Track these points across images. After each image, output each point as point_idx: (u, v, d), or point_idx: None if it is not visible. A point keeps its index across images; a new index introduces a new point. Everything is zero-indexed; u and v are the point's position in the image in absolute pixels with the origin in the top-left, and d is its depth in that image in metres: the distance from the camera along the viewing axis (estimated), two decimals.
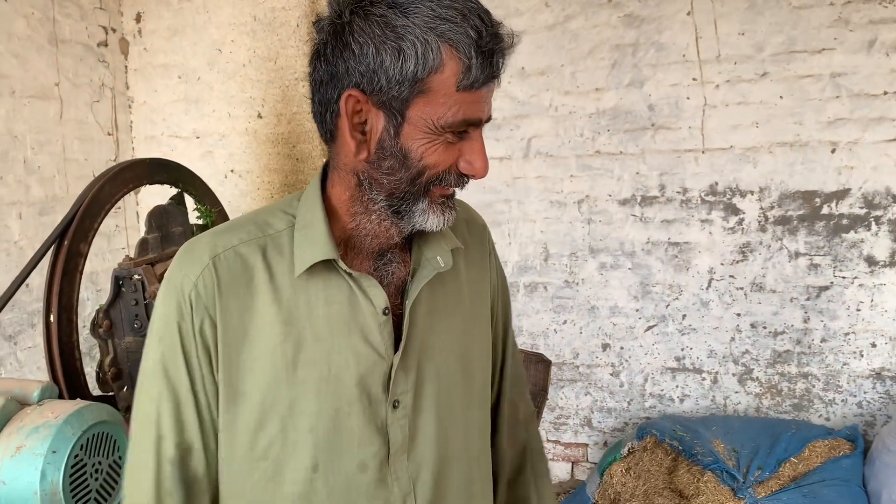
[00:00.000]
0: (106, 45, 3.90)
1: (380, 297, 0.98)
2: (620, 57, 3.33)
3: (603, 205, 3.46)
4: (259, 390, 0.96)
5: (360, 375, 0.97)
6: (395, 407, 0.99)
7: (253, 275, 0.97)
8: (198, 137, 3.97)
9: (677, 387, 3.45)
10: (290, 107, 3.76)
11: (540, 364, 2.31)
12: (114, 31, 3.95)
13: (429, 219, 0.97)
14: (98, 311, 2.19)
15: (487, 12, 0.93)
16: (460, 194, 1.02)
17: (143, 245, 2.27)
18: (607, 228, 3.47)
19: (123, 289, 2.18)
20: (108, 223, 3.80)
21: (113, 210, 3.79)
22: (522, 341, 3.64)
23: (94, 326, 2.19)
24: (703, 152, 3.27)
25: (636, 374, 3.50)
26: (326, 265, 0.97)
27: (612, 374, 3.54)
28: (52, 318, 2.11)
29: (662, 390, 3.47)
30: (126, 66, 4.04)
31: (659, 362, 3.46)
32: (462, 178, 0.97)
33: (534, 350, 3.59)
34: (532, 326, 3.63)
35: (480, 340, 1.13)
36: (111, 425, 1.67)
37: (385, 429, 0.99)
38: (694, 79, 3.25)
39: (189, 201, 2.76)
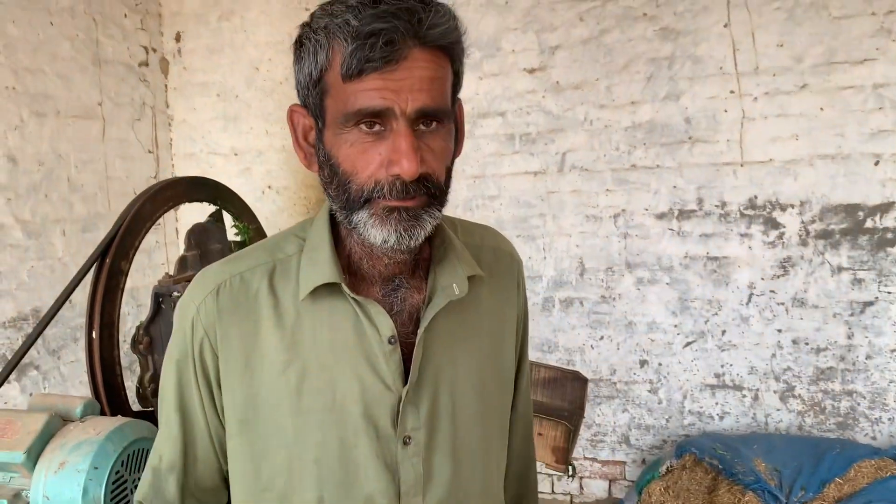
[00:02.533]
0: (147, 65, 3.98)
1: (385, 325, 0.93)
2: (656, 70, 3.31)
3: (639, 219, 3.43)
4: (263, 419, 0.94)
5: (366, 406, 0.93)
6: (405, 443, 0.94)
7: (257, 300, 0.95)
8: (236, 154, 4.03)
9: (717, 404, 3.39)
10: None
11: (576, 381, 2.29)
12: (154, 50, 4.03)
13: (370, 232, 0.88)
14: (138, 328, 2.23)
15: None
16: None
17: (182, 262, 2.30)
18: (644, 243, 3.44)
19: (163, 306, 2.22)
20: (149, 239, 3.87)
21: (153, 226, 3.86)
22: (558, 357, 3.61)
23: (135, 343, 2.23)
24: (741, 165, 3.23)
25: (675, 391, 3.45)
26: (332, 290, 0.93)
27: (650, 391, 3.50)
28: (94, 335, 2.14)
29: (702, 407, 3.41)
30: (166, 85, 4.12)
31: (698, 379, 3.41)
32: (395, 185, 0.85)
33: (570, 366, 3.57)
34: (568, 342, 3.60)
35: (500, 376, 1.07)
36: (151, 441, 1.68)
37: (395, 466, 0.94)
38: (732, 91, 3.21)
39: (227, 218, 2.80)
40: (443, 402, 0.96)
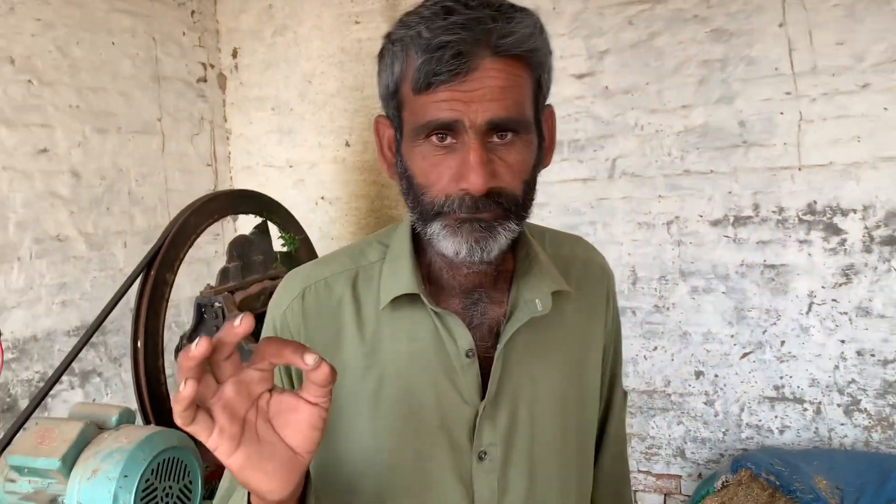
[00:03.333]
0: (205, 81, 4.10)
1: (464, 338, 0.92)
2: (708, 73, 3.21)
3: (693, 226, 3.33)
4: (343, 422, 0.94)
5: (443, 418, 0.93)
6: (480, 458, 0.93)
7: (340, 306, 0.96)
8: (290, 166, 4.11)
9: (776, 417, 3.25)
10: None
11: None
12: (212, 66, 4.15)
13: (443, 243, 0.87)
14: (182, 338, 2.29)
15: (461, 4, 0.84)
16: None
17: (223, 274, 2.36)
18: (698, 250, 3.34)
19: (205, 316, 2.27)
20: (207, 249, 3.98)
21: (214, 238, 3.97)
22: None
23: (178, 352, 2.28)
24: (799, 169, 3.10)
25: (731, 404, 3.33)
26: (412, 300, 0.93)
27: (705, 403, 3.39)
28: (139, 345, 2.21)
29: (760, 421, 3.29)
30: (224, 100, 4.23)
31: (756, 391, 3.28)
32: (464, 200, 0.85)
33: (623, 377, 3.48)
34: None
35: (583, 393, 1.04)
36: (181, 450, 1.72)
37: (469, 480, 0.93)
38: (788, 93, 3.09)
39: (274, 230, 2.85)
40: (521, 419, 0.96)
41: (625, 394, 1.19)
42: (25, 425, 1.71)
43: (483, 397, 0.93)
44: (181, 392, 0.64)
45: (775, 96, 3.11)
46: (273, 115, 4.13)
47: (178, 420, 0.66)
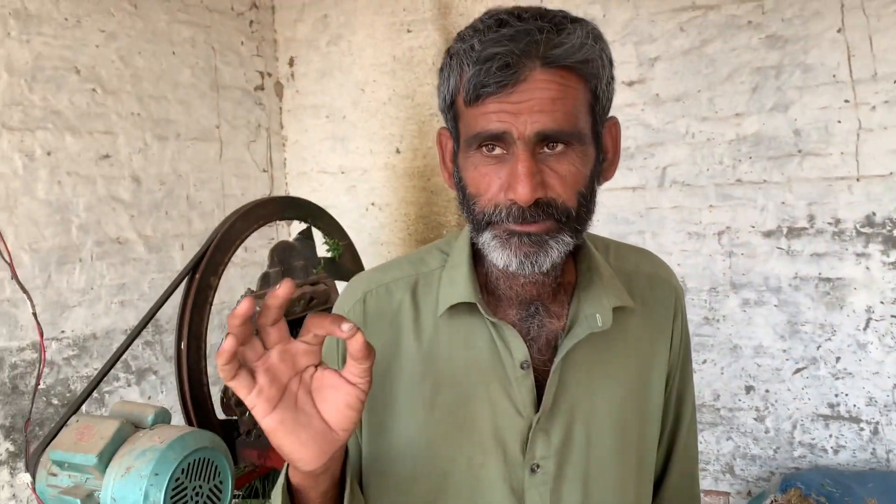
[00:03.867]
0: (262, 89, 4.21)
1: (519, 350, 0.92)
2: (762, 80, 3.13)
3: (745, 237, 3.25)
4: (399, 427, 0.96)
5: (496, 428, 0.93)
6: (533, 471, 0.93)
7: (399, 311, 0.98)
8: (343, 173, 4.18)
9: (831, 436, 3.14)
10: (426, 141, 3.87)
11: None
12: (269, 75, 4.26)
13: (493, 254, 0.88)
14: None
15: (514, 16, 0.85)
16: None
17: (264, 279, 2.41)
18: (750, 262, 3.25)
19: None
20: (263, 254, 4.07)
21: (267, 242, 4.07)
22: None
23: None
24: (857, 180, 2.99)
25: (783, 420, 3.23)
26: (470, 308, 0.94)
27: (756, 419, 3.29)
28: (182, 346, 2.29)
29: (814, 439, 3.18)
30: (280, 108, 4.34)
31: (809, 408, 3.17)
32: (512, 210, 0.85)
33: None
34: None
35: (644, 410, 1.02)
36: (212, 451, 1.78)
37: (521, 492, 0.93)
38: (846, 101, 2.98)
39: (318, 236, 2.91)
40: (577, 434, 0.95)
41: (693, 409, 1.15)
42: (69, 422, 1.79)
43: (538, 410, 0.92)
44: (222, 345, 0.69)
45: (833, 104, 3.01)
46: (327, 123, 4.21)
47: (221, 373, 0.71)
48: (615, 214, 3.50)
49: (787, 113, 3.10)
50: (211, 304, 2.37)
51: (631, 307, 0.98)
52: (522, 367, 0.92)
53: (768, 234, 3.20)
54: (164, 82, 3.63)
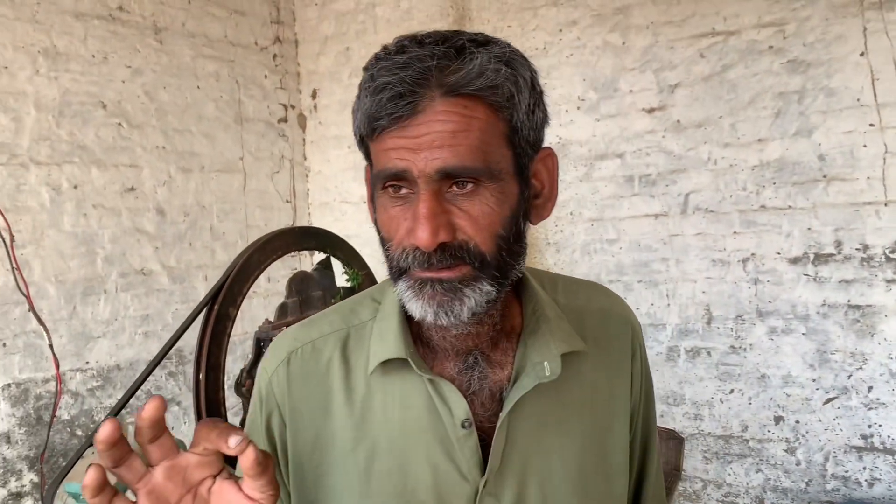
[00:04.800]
0: (285, 121, 4.26)
1: (459, 406, 0.82)
2: (785, 105, 3.10)
3: (771, 263, 3.19)
4: (333, 501, 0.86)
5: (439, 497, 0.83)
6: None
7: (329, 371, 0.88)
8: (364, 202, 4.19)
9: (865, 468, 3.04)
10: None
11: (672, 441, 2.15)
12: (292, 107, 4.31)
13: (409, 305, 0.78)
14: (242, 371, 2.36)
15: (416, 41, 0.76)
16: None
17: (282, 309, 2.42)
18: (777, 289, 3.19)
19: (264, 350, 2.33)
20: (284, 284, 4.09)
21: (290, 272, 4.07)
22: (685, 411, 3.41)
23: (238, 385, 2.35)
24: (885, 205, 2.93)
25: (815, 452, 3.14)
26: (404, 364, 0.84)
27: (786, 451, 3.21)
28: (200, 377, 2.29)
29: (847, 472, 3.08)
30: (303, 139, 4.38)
31: (842, 440, 3.08)
32: (416, 255, 0.76)
33: (697, 421, 3.36)
34: (695, 395, 3.39)
35: (607, 462, 0.91)
36: None
37: None
38: (871, 124, 2.93)
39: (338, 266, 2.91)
40: (531, 496, 0.85)
41: (657, 457, 1.04)
42: (84, 453, 1.80)
43: (484, 472, 0.83)
44: (85, 478, 0.60)
45: (858, 128, 2.96)
46: (349, 153, 4.24)
47: None
48: (638, 242, 3.46)
49: (811, 138, 3.06)
50: (229, 335, 2.37)
51: (583, 350, 0.88)
52: (464, 426, 0.82)
53: (794, 261, 3.14)
54: (188, 116, 3.69)
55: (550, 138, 3.63)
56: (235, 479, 0.66)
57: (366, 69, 0.77)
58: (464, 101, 0.73)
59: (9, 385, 2.94)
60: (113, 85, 3.34)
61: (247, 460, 0.62)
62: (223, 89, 3.88)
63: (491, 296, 0.78)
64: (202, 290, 3.71)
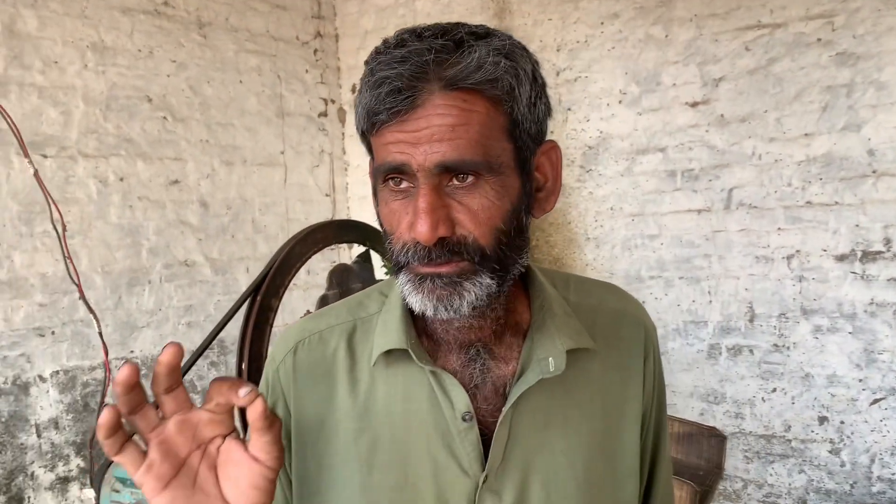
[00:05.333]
0: (325, 115, 4.29)
1: (460, 399, 0.82)
2: (832, 99, 3.03)
3: (816, 261, 3.13)
4: (333, 491, 0.86)
5: (439, 490, 0.82)
6: None
7: (334, 362, 0.88)
8: None
9: None
10: None
11: (713, 438, 2.12)
12: (332, 102, 4.34)
13: (410, 299, 0.79)
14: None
15: (415, 35, 0.76)
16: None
17: (322, 301, 2.44)
18: (822, 287, 3.13)
19: None
20: (324, 276, 4.12)
21: (329, 265, 4.11)
22: (725, 409, 3.36)
23: None
24: None
25: (860, 454, 3.08)
26: (407, 355, 0.84)
27: (830, 452, 3.14)
28: (243, 367, 2.32)
29: (894, 474, 3.01)
30: (343, 133, 4.41)
31: (889, 441, 3.01)
32: (416, 249, 0.76)
33: (738, 419, 3.31)
34: (736, 393, 3.34)
35: (616, 465, 0.89)
36: None
37: None
38: None
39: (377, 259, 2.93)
40: (534, 494, 0.83)
41: (668, 463, 1.02)
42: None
43: (485, 468, 0.82)
44: (100, 418, 0.62)
45: None
46: None
47: (104, 448, 0.64)
48: (680, 237, 3.42)
49: (859, 132, 2.99)
50: (272, 326, 2.40)
51: (591, 348, 0.87)
52: (464, 419, 0.81)
53: (841, 258, 3.08)
54: (231, 110, 3.74)
55: (591, 132, 3.60)
56: (243, 441, 0.69)
57: (366, 63, 0.78)
58: (463, 94, 0.73)
59: (57, 372, 3.01)
60: (158, 79, 3.40)
61: (254, 412, 0.64)
62: (265, 83, 3.92)
63: (491, 289, 0.78)
64: (243, 282, 3.76)
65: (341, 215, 4.37)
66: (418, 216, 0.73)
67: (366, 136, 0.81)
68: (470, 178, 0.75)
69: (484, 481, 0.82)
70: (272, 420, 0.66)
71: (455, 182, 0.75)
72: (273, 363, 0.91)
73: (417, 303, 0.78)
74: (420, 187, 0.74)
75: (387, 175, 0.77)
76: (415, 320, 0.87)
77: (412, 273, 0.78)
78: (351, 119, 4.38)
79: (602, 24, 3.56)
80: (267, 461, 0.68)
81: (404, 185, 0.76)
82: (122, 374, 0.62)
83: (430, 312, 0.78)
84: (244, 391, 0.64)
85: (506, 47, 0.76)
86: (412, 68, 0.72)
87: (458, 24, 0.77)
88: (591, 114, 3.60)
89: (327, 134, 4.31)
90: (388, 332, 0.85)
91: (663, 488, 0.99)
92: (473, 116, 0.74)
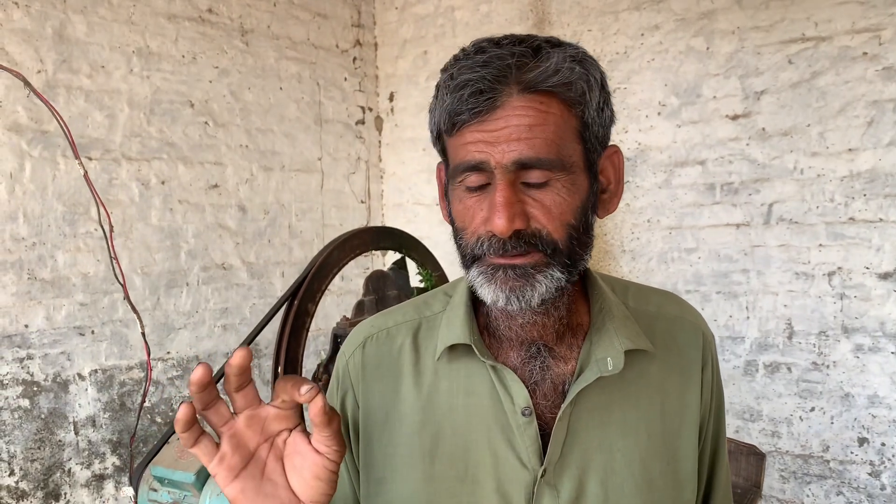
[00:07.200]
0: (363, 123, 4.32)
1: (520, 395, 0.85)
2: (878, 114, 2.98)
3: (859, 278, 3.07)
4: (397, 480, 0.90)
5: (499, 482, 0.86)
6: None
7: (400, 357, 0.93)
8: (437, 204, 4.22)
9: None
10: None
11: (752, 457, 2.08)
12: (370, 109, 4.37)
13: (481, 290, 0.82)
14: (319, 365, 2.40)
15: (494, 43, 0.80)
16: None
17: (359, 306, 2.45)
18: (864, 305, 3.06)
19: (340, 345, 2.37)
20: (358, 282, 4.14)
21: (363, 271, 4.13)
22: (762, 427, 3.31)
23: (315, 379, 2.39)
24: None
25: None
26: (469, 351, 0.88)
27: (870, 475, 3.07)
28: (279, 369, 2.34)
29: None
30: (379, 141, 4.43)
31: None
32: (492, 242, 0.79)
33: (775, 438, 3.25)
34: (773, 411, 3.28)
35: (674, 469, 0.91)
36: None
37: None
38: None
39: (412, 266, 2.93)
40: (591, 491, 0.86)
41: (727, 474, 1.03)
42: (170, 439, 1.86)
43: (544, 462, 0.85)
44: (178, 413, 0.67)
45: None
46: (424, 156, 4.27)
47: (181, 441, 0.69)
48: (718, 252, 3.38)
49: None
50: (308, 330, 2.42)
51: (649, 350, 0.90)
52: (524, 414, 0.85)
53: (885, 277, 3.02)
54: (271, 116, 3.78)
55: (630, 144, 3.58)
56: (307, 434, 0.74)
57: (444, 70, 0.83)
58: (540, 96, 0.78)
59: (95, 371, 3.06)
60: (201, 84, 3.45)
61: (315, 407, 0.68)
62: (304, 91, 3.96)
63: (561, 283, 0.82)
64: (279, 286, 3.80)
65: (376, 222, 4.39)
66: (495, 210, 0.77)
67: (441, 138, 0.85)
68: (544, 176, 0.79)
69: (542, 475, 0.84)
70: (331, 416, 0.70)
71: (530, 179, 0.80)
72: (343, 357, 0.97)
73: (490, 294, 0.81)
74: (497, 183, 0.78)
75: (465, 173, 0.81)
76: (478, 318, 0.91)
77: (486, 265, 0.81)
78: (389, 127, 4.41)
79: (642, 35, 3.55)
80: (328, 454, 0.72)
81: (480, 182, 0.80)
82: (196, 374, 0.67)
83: (501, 303, 0.81)
84: (305, 389, 0.68)
85: (579, 55, 0.81)
86: (494, 71, 0.77)
87: (532, 35, 0.82)
88: (630, 125, 3.58)
89: (364, 141, 4.34)
90: (453, 328, 0.89)
91: (723, 496, 1.01)
92: (549, 117, 0.79)
